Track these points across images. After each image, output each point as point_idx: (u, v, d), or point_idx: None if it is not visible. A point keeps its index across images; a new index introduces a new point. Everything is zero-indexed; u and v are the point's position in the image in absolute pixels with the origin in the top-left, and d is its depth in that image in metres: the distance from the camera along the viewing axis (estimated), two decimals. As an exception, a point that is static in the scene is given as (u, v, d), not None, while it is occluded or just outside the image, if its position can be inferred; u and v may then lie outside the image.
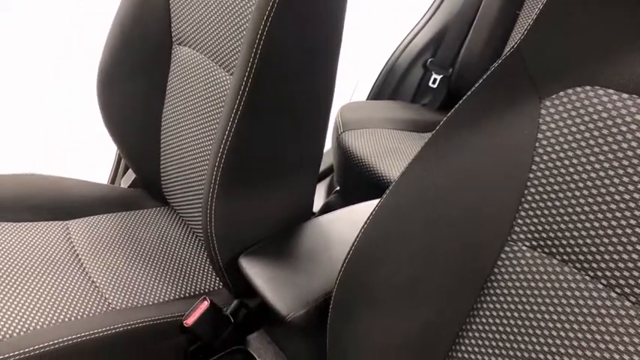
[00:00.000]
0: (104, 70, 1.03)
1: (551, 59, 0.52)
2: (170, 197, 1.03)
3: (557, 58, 0.52)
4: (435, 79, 1.56)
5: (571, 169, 0.51)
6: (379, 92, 1.60)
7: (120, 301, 0.83)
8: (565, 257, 0.51)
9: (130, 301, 0.84)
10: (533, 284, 0.53)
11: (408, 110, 1.50)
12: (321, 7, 0.71)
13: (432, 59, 1.56)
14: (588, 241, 0.49)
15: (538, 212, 0.53)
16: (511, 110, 0.54)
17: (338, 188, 1.37)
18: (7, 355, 0.68)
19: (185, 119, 0.95)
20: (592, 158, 0.49)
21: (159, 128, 1.01)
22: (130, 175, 1.21)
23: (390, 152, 1.25)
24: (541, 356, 0.52)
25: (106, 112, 1.05)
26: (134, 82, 1.01)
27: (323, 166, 1.53)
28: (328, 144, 1.42)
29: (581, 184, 0.50)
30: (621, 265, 0.47)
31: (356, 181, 1.22)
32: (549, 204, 0.52)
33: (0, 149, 2.12)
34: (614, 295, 0.48)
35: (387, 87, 1.59)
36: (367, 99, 1.62)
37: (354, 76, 1.68)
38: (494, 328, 0.56)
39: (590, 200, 0.49)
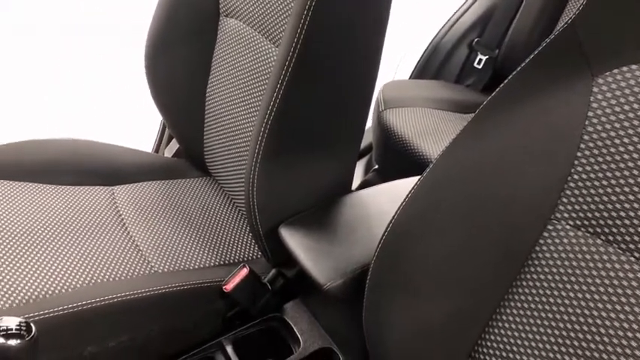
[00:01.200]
0: (152, 41, 1.05)
1: (605, 36, 0.51)
2: (212, 167, 1.05)
3: (612, 35, 0.51)
4: (480, 60, 1.53)
5: (621, 149, 0.50)
6: (422, 71, 1.58)
7: (162, 264, 0.86)
8: (610, 237, 0.50)
9: (172, 265, 0.86)
10: (575, 264, 0.53)
11: (451, 90, 1.48)
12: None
13: (478, 39, 1.53)
14: (635, 222, 0.48)
15: (584, 191, 0.52)
16: (562, 87, 0.54)
17: (376, 167, 1.37)
18: (54, 309, 0.72)
19: (230, 91, 0.96)
20: (640, 144, 0.48)
21: (203, 99, 1.03)
22: (174, 146, 1.24)
23: (431, 132, 1.24)
24: (580, 335, 0.52)
25: (152, 82, 1.08)
26: (181, 53, 1.03)
27: (362, 144, 1.52)
28: (368, 122, 1.42)
29: (631, 164, 0.49)
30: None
31: (395, 159, 1.22)
32: (596, 183, 0.51)
33: (49, 115, 2.20)
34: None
35: (431, 66, 1.57)
36: (410, 78, 1.61)
37: (398, 55, 1.66)
38: (532, 306, 0.55)
39: (635, 181, 0.48)
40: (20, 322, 0.56)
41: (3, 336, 0.55)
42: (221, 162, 1.01)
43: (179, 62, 1.04)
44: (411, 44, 1.62)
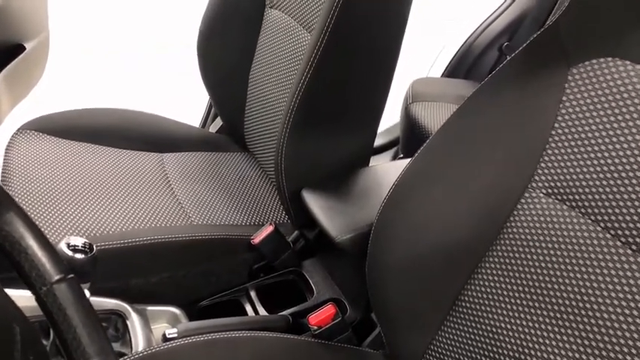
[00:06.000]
0: (205, 27, 1.18)
1: (582, 32, 0.61)
2: (250, 143, 1.18)
3: (588, 32, 0.60)
4: (509, 63, 1.60)
5: (586, 128, 0.59)
6: (453, 71, 1.67)
7: (199, 218, 0.99)
8: (573, 204, 0.60)
9: (208, 220, 0.99)
10: (544, 225, 0.62)
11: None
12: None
13: (508, 43, 1.61)
14: (593, 189, 0.58)
15: (556, 164, 0.62)
16: (542, 74, 0.63)
17: (401, 155, 1.47)
18: (112, 242, 0.86)
19: (269, 74, 1.08)
20: (607, 124, 0.57)
21: (246, 81, 1.16)
22: (218, 122, 1.37)
23: (455, 126, 1.33)
24: (549, 297, 0.59)
25: (203, 64, 1.21)
26: (230, 39, 1.16)
27: (390, 137, 1.63)
28: (397, 117, 1.52)
29: (593, 141, 0.58)
30: (624, 210, 0.54)
31: (418, 149, 1.31)
32: (566, 157, 0.60)
33: (110, 88, 2.39)
34: (609, 236, 0.56)
35: (462, 67, 1.66)
36: (441, 77, 1.70)
37: (432, 54, 1.76)
38: (511, 262, 0.64)
39: (602, 155, 0.57)
40: (85, 242, 0.69)
41: (72, 250, 0.68)
42: (258, 137, 1.14)
43: (227, 47, 1.17)
44: (444, 46, 1.71)
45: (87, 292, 0.70)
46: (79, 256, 0.68)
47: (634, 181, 0.54)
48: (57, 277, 0.44)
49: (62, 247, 0.67)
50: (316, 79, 0.84)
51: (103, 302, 0.82)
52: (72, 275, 0.45)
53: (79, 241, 0.69)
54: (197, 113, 1.43)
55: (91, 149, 1.10)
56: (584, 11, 0.60)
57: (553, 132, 0.62)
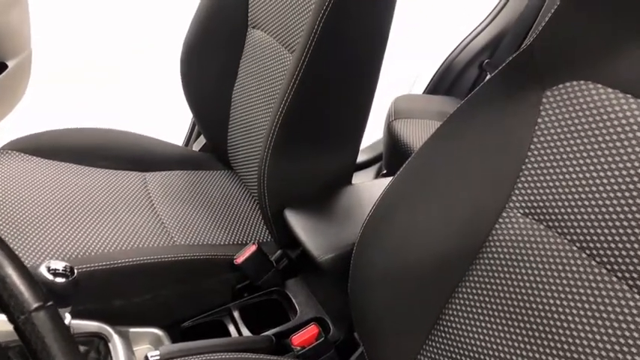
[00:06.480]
0: (188, 46, 1.19)
1: (556, 56, 0.62)
2: (233, 161, 1.18)
3: (562, 56, 0.62)
4: (489, 80, 1.63)
5: (561, 150, 0.60)
6: (435, 88, 1.69)
7: (182, 238, 0.99)
8: (550, 224, 0.61)
9: (191, 240, 0.99)
10: (522, 245, 0.63)
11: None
12: (374, 1, 0.83)
13: (489, 60, 1.64)
14: (569, 210, 0.59)
15: (532, 185, 0.63)
16: (518, 97, 0.65)
17: (385, 172, 1.49)
18: (94, 264, 0.86)
19: (252, 93, 1.09)
20: (581, 146, 0.58)
21: (229, 100, 1.17)
22: (202, 140, 1.37)
23: (437, 143, 1.34)
24: (529, 312, 0.60)
25: (186, 82, 1.22)
26: (213, 58, 1.16)
27: (374, 154, 1.64)
28: (380, 133, 1.54)
29: (568, 162, 0.59)
30: (599, 231, 0.56)
31: (401, 165, 1.32)
32: (542, 178, 0.62)
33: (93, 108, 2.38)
34: (584, 255, 0.57)
35: (443, 83, 1.68)
36: (423, 93, 1.72)
37: (414, 72, 1.78)
38: (490, 282, 0.65)
39: (576, 177, 0.58)
40: (66, 265, 0.69)
41: (52, 274, 0.67)
42: (241, 156, 1.14)
43: (210, 66, 1.17)
44: (426, 62, 1.73)
45: (68, 316, 0.70)
46: (59, 279, 0.67)
47: (607, 202, 0.55)
48: (35, 305, 0.44)
49: (42, 270, 0.67)
50: (298, 98, 0.85)
51: (84, 325, 0.82)
52: (51, 303, 0.45)
53: (59, 264, 0.69)
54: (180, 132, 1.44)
55: (72, 169, 1.09)
56: (557, 35, 0.62)
57: (529, 153, 0.63)
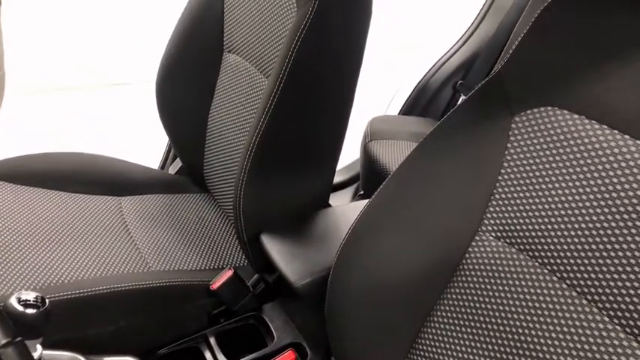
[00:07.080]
0: (164, 69, 1.19)
1: (523, 82, 0.64)
2: (210, 184, 1.18)
3: (529, 82, 0.63)
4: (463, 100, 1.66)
5: (530, 174, 0.61)
6: (410, 109, 1.72)
7: (158, 264, 0.98)
8: (522, 247, 0.62)
9: (167, 265, 0.98)
10: (495, 268, 0.64)
11: (433, 127, 1.60)
12: (348, 21, 0.84)
13: (462, 82, 1.67)
14: (539, 233, 0.60)
15: (504, 208, 0.64)
16: (487, 123, 0.66)
17: (362, 192, 1.50)
18: (67, 292, 0.84)
19: (227, 117, 1.09)
20: (550, 171, 0.59)
21: (205, 123, 1.16)
22: (178, 163, 1.37)
23: (413, 163, 1.36)
24: (502, 335, 0.61)
25: (162, 105, 1.21)
26: (189, 81, 1.16)
27: (351, 174, 1.65)
28: (357, 154, 1.55)
29: (537, 187, 0.61)
30: (568, 254, 0.57)
31: (378, 186, 1.33)
32: (513, 202, 0.63)
33: (67, 132, 2.35)
34: (555, 278, 0.58)
35: (418, 104, 1.70)
36: (399, 114, 1.74)
37: (390, 93, 1.80)
38: (464, 306, 0.66)
39: (545, 200, 0.59)
40: (37, 296, 0.68)
41: (23, 305, 0.66)
42: (218, 179, 1.14)
43: (186, 89, 1.17)
44: (401, 84, 1.76)
45: (39, 347, 0.69)
46: (30, 311, 0.66)
47: (577, 226, 0.56)
48: (3, 342, 0.43)
49: (12, 302, 0.65)
50: (274, 122, 0.85)
51: (57, 355, 0.80)
52: (19, 339, 0.44)
53: (30, 295, 0.68)
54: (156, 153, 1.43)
55: (44, 195, 1.08)
56: (524, 62, 0.63)
57: (500, 177, 0.64)
